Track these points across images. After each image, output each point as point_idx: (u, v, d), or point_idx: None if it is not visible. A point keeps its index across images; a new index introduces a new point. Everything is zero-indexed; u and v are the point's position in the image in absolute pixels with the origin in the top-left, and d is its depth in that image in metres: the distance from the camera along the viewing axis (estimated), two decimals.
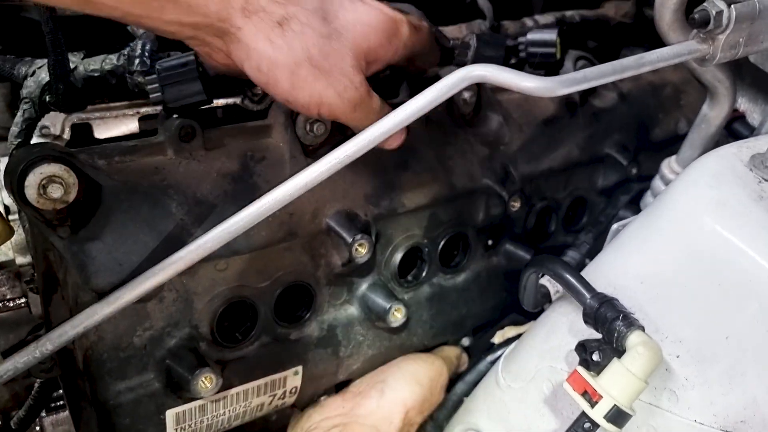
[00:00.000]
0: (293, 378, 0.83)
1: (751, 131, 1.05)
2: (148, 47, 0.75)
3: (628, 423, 0.60)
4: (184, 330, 0.73)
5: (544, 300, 0.77)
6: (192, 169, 0.72)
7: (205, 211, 0.71)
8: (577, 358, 0.64)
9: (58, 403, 1.02)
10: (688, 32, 0.73)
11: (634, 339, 0.61)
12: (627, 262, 0.69)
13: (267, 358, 0.80)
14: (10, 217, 0.81)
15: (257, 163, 0.75)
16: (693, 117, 0.90)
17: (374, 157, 0.70)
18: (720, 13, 0.67)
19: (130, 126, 0.79)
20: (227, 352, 0.77)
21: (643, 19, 1.16)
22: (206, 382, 0.70)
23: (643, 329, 0.62)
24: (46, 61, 0.74)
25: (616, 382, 0.60)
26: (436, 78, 0.66)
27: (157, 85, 0.71)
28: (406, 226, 0.86)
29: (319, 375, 0.86)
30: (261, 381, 0.81)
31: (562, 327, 0.72)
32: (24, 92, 0.76)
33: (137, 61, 0.75)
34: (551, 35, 0.95)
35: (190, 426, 0.78)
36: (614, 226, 0.83)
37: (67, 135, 0.78)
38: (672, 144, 0.97)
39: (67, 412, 1.01)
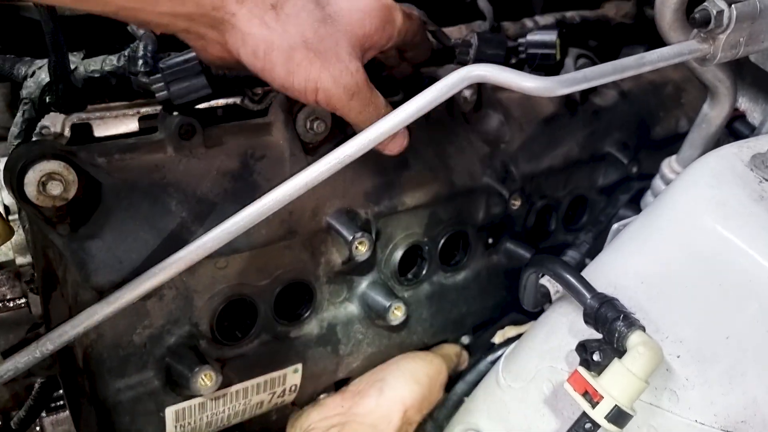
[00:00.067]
0: (293, 376, 0.83)
1: (752, 130, 1.05)
2: (149, 48, 0.75)
3: (628, 423, 0.60)
4: (184, 328, 0.73)
5: (544, 300, 0.77)
6: (192, 166, 0.72)
7: (205, 209, 0.71)
8: (577, 359, 0.64)
9: (58, 403, 1.02)
10: (688, 32, 0.73)
11: (634, 339, 0.61)
12: (627, 262, 0.69)
13: (267, 356, 0.80)
14: (10, 218, 0.81)
15: (257, 161, 0.75)
16: (694, 115, 0.90)
17: (374, 156, 0.70)
18: (721, 12, 0.67)
19: (130, 126, 0.79)
20: (227, 349, 0.77)
21: (644, 18, 1.16)
22: (206, 379, 0.70)
23: (643, 329, 0.62)
24: (46, 61, 0.74)
25: (616, 382, 0.60)
26: (436, 78, 0.65)
27: (162, 83, 0.71)
28: (407, 225, 0.86)
29: (318, 373, 0.86)
30: (261, 379, 0.81)
31: (563, 327, 0.72)
32: (24, 92, 0.76)
33: (140, 61, 0.74)
34: (551, 37, 0.95)
35: (189, 423, 0.78)
36: (614, 226, 0.83)
37: (67, 135, 0.78)
38: (672, 142, 0.97)
39: (67, 413, 1.01)
